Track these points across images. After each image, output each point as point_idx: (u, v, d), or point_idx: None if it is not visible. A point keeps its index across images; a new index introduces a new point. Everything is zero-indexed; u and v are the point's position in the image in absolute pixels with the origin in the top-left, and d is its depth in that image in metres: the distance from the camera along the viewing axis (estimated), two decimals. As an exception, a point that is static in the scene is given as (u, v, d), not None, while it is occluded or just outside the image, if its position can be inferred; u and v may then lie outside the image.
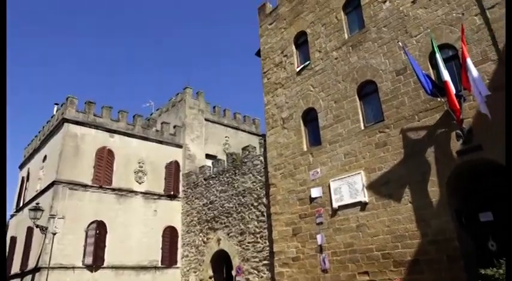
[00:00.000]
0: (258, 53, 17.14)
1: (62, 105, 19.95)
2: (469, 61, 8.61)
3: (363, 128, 11.82)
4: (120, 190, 19.23)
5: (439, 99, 9.67)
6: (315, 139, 13.38)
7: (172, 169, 21.50)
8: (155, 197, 20.41)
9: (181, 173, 21.72)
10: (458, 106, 8.92)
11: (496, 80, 8.91)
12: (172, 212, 20.77)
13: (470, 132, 9.14)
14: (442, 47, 10.00)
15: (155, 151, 21.24)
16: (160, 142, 21.67)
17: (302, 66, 14.48)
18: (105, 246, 17.83)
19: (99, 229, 17.89)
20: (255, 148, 17.38)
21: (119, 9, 74.96)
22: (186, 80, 49.95)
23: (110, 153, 19.50)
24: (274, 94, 15.46)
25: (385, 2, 11.91)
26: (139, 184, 20.13)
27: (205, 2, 77.85)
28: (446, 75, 9.08)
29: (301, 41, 15.05)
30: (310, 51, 14.30)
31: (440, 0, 10.50)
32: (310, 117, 13.84)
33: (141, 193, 19.99)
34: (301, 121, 14.00)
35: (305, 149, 13.56)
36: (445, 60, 9.59)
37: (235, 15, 76.93)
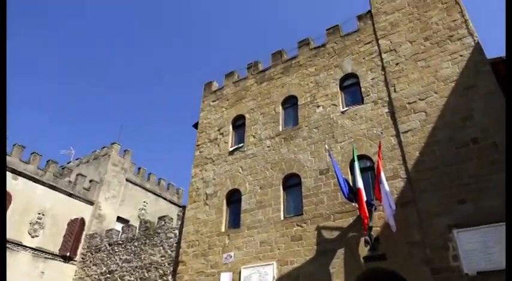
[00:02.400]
0: (196, 125, 17.41)
1: (-34, 135, 17.84)
2: (382, 175, 9.53)
3: (282, 218, 12.05)
4: (6, 241, 16.75)
5: (353, 204, 10.35)
6: (234, 221, 13.26)
7: (76, 226, 19.51)
8: (47, 255, 18.02)
9: (84, 233, 19.73)
10: (367, 214, 9.57)
11: (403, 197, 9.89)
12: (63, 277, 18.29)
13: (377, 240, 9.74)
14: (362, 157, 11.05)
15: (61, 204, 19.32)
16: (70, 195, 19.89)
17: (235, 147, 14.89)
18: (-35, 308, 14.81)
19: (-35, 286, 14.99)
20: (172, 219, 16.65)
21: (53, 51, 73.18)
22: (118, 135, 48.13)
23: (8, 197, 17.32)
24: (203, 168, 15.44)
25: (319, 107, 13.16)
26: (32, 237, 17.79)
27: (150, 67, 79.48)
28: (360, 184, 9.86)
29: (238, 123, 15.69)
30: (245, 134, 14.89)
31: (364, 116, 11.88)
32: (234, 198, 13.86)
33: (31, 248, 17.57)
34: (224, 200, 13.92)
35: (223, 229, 13.30)
36: (363, 170, 10.54)
37: (177, 83, 79.13)
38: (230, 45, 77.83)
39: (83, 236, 19.60)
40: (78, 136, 66.82)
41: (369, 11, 13.90)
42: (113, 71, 77.16)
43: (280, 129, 13.91)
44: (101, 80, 75.64)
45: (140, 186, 23.78)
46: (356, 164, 10.29)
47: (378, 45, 12.83)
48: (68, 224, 19.29)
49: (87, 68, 74.31)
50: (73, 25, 72.70)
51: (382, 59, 12.43)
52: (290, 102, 14.40)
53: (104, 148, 23.78)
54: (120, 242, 17.76)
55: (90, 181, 21.33)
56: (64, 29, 72.20)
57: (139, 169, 24.30)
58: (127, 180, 23.02)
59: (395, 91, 11.51)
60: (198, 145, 16.39)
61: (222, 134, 15.81)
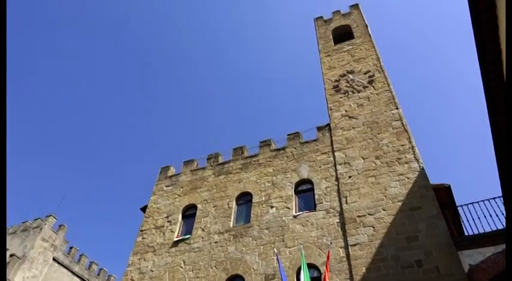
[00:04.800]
0: (144, 209, 16.60)
1: None
2: (328, 289, 9.22)
3: (219, 325, 10.99)
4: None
5: (297, 317, 9.74)
6: (165, 323, 11.90)
7: (-22, 309, 16.62)
8: None
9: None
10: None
11: (348, 315, 9.47)
12: None
13: None
14: (310, 266, 10.74)
15: (-32, 280, 16.69)
16: (-18, 270, 17.34)
17: (181, 237, 14.12)
18: None
19: None
20: (95, 312, 14.71)
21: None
22: (57, 206, 44.69)
23: None
24: (142, 257, 14.29)
25: (272, 207, 13.16)
26: None
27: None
28: (307, 295, 9.44)
29: (189, 213, 15.16)
30: (194, 226, 14.30)
31: (316, 223, 11.93)
32: (169, 296, 12.65)
33: None
34: (158, 297, 12.66)
35: None
36: (310, 280, 10.16)
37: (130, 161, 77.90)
38: (189, 134, 79.60)
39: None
40: (14, 202, 61.34)
41: (328, 124, 15.01)
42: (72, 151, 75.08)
43: (231, 225, 13.54)
44: (50, 158, 72.91)
45: (67, 268, 21.32)
46: (303, 273, 9.95)
47: (334, 156, 13.57)
48: (-32, 306, 16.43)
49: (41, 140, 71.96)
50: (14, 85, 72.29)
51: (336, 170, 13.03)
52: (244, 199, 14.33)
53: (37, 219, 21.74)
54: None
55: (11, 256, 18.92)
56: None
57: (71, 248, 22.14)
58: (54, 259, 20.67)
59: (346, 203, 11.85)
60: (142, 230, 15.41)
61: (170, 222, 15.10)
